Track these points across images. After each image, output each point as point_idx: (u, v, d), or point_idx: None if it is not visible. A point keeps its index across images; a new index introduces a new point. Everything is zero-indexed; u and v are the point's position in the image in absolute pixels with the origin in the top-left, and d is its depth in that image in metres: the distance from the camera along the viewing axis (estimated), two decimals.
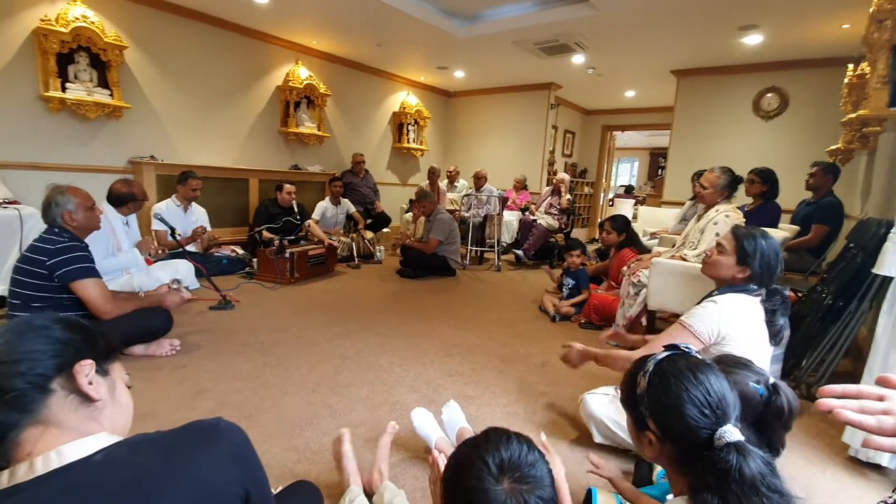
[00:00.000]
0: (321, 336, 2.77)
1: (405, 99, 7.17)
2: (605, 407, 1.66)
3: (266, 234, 4.45)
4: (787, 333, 1.56)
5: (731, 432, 0.72)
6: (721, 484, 0.67)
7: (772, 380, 0.98)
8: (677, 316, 2.87)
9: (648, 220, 5.62)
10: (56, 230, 2.09)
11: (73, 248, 2.06)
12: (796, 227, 3.60)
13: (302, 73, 5.52)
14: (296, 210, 4.74)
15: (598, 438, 1.68)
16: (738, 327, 1.45)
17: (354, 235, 5.22)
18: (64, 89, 3.78)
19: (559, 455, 1.03)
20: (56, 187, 2.14)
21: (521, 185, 6.63)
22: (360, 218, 5.50)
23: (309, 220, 4.77)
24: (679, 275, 2.64)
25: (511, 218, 5.93)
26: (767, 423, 0.93)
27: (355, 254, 5.02)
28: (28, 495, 0.53)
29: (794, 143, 5.13)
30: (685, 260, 2.73)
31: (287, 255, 3.94)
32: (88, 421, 0.64)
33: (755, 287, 1.52)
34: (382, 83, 6.86)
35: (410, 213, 5.73)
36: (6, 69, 3.59)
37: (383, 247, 5.47)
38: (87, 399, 0.64)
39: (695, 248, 2.77)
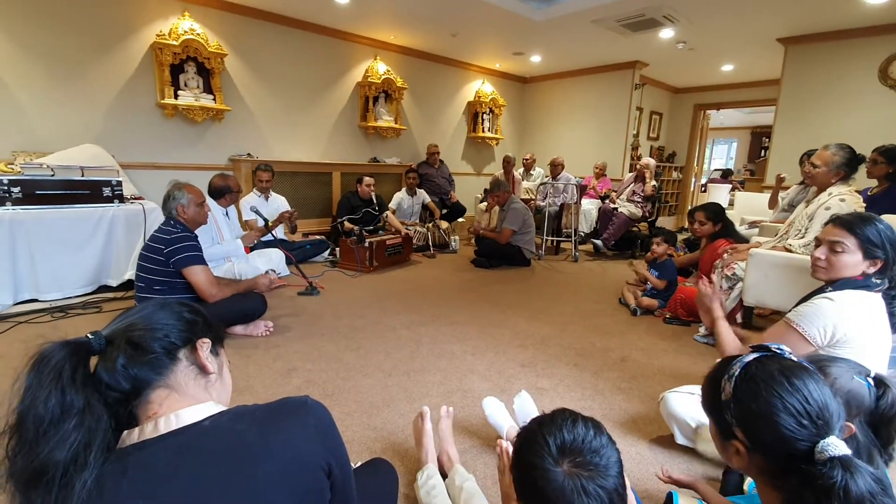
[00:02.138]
0: (398, 322, 2.88)
1: (480, 88, 7.13)
2: (689, 406, 1.55)
3: (347, 224, 4.70)
4: None
5: (836, 445, 0.64)
6: (822, 502, 0.61)
7: (873, 371, 0.87)
8: (778, 313, 2.60)
9: (747, 208, 5.09)
10: (171, 222, 2.37)
11: (184, 238, 2.33)
12: None
13: (380, 69, 5.69)
14: (374, 201, 4.94)
15: (680, 440, 1.59)
16: (859, 327, 1.28)
17: (430, 225, 5.32)
18: (176, 96, 4.25)
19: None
20: (177, 183, 2.43)
21: (601, 172, 6.34)
22: (435, 208, 5.60)
23: (387, 212, 4.95)
24: (782, 267, 2.39)
25: (590, 206, 5.70)
26: (882, 421, 0.83)
27: (431, 243, 5.13)
28: (152, 451, 0.62)
29: None
30: (790, 251, 2.46)
31: (366, 244, 4.13)
32: (202, 391, 0.74)
33: (877, 281, 1.33)
34: (457, 73, 6.88)
35: (485, 203, 5.72)
36: (130, 82, 4.12)
37: (458, 237, 5.53)
38: (203, 371, 0.75)
39: (801, 237, 2.48)
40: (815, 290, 1.48)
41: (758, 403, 0.72)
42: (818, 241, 1.45)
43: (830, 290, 1.37)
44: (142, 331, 0.70)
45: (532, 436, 0.72)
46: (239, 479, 0.61)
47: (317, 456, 0.68)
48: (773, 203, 4.16)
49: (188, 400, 0.70)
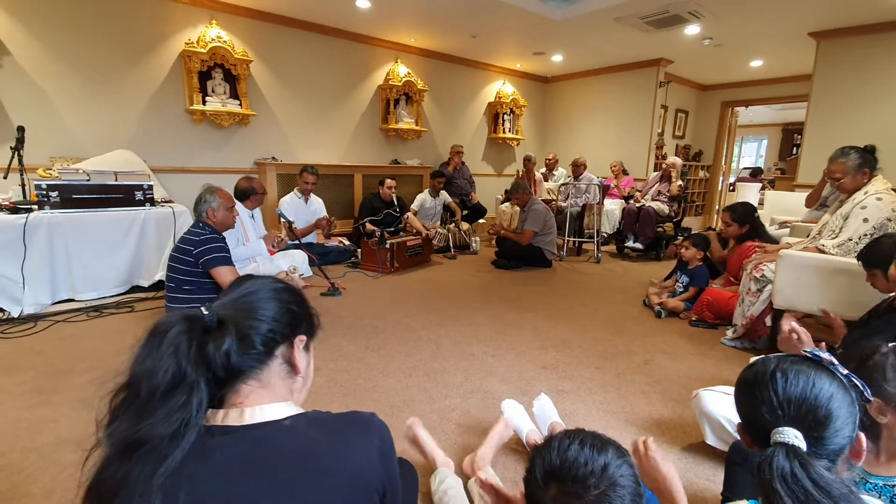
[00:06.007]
0: (418, 323, 2.89)
1: (501, 88, 7.10)
2: (723, 405, 1.50)
3: (369, 226, 4.75)
4: None
5: (788, 434, 0.65)
6: (758, 482, 0.63)
7: None
8: (810, 317, 2.51)
9: (777, 207, 4.93)
10: (200, 224, 2.45)
11: (212, 240, 2.39)
12: None
13: (401, 71, 5.74)
14: (395, 203, 4.98)
15: (710, 440, 1.54)
16: None
17: (451, 227, 5.33)
18: (204, 102, 4.38)
19: (670, 462, 0.99)
20: (209, 187, 2.51)
21: (619, 170, 6.22)
22: (456, 209, 5.60)
23: (408, 213, 4.98)
24: (815, 269, 2.30)
25: (613, 207, 5.60)
26: None
27: (451, 244, 5.13)
28: (234, 438, 0.63)
29: None
30: (822, 251, 2.37)
31: (387, 245, 4.17)
32: (286, 390, 0.74)
33: None
34: (478, 74, 6.87)
35: (507, 204, 5.69)
36: (160, 89, 4.26)
37: (479, 238, 5.52)
38: (293, 370, 0.75)
39: (835, 237, 2.39)
40: (880, 303, 1.45)
41: (744, 398, 0.78)
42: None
43: None
44: (251, 321, 0.69)
45: (531, 458, 0.73)
46: (305, 485, 0.62)
47: (375, 478, 0.68)
48: (814, 198, 3.82)
49: (272, 396, 0.70)
